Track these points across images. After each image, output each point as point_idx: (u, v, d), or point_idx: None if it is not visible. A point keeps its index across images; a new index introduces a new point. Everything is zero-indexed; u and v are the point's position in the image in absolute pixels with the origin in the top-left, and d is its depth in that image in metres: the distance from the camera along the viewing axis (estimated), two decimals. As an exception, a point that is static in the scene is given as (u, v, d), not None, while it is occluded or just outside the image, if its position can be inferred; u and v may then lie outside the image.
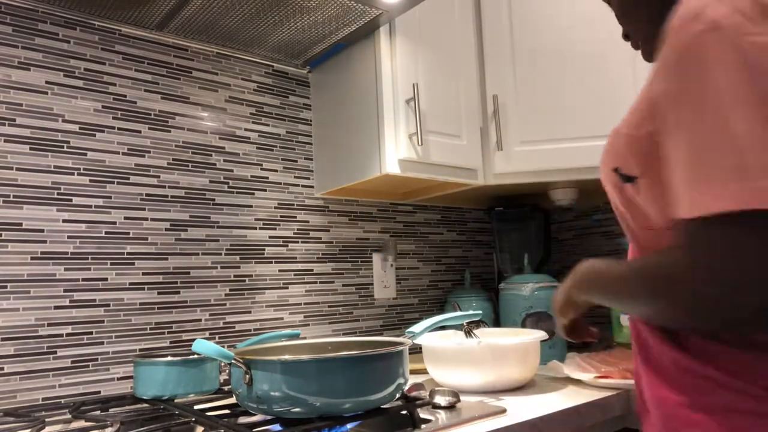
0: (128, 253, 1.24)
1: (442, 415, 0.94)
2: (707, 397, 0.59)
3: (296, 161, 1.54)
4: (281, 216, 1.49)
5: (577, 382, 1.22)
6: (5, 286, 1.10)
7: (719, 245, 0.50)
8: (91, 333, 1.18)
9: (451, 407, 0.99)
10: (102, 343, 1.19)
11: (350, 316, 1.59)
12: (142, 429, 0.85)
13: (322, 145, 1.54)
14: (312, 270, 1.53)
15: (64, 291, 1.16)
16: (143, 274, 1.26)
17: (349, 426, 0.88)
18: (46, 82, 1.18)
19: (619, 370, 1.16)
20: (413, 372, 1.38)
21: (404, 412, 0.91)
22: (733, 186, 0.48)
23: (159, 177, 1.30)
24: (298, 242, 1.51)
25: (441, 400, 1.00)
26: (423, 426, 0.89)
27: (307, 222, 1.54)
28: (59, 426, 1.00)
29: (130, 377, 1.21)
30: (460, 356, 1.16)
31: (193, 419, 0.91)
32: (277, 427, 0.86)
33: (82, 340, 1.17)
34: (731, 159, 0.49)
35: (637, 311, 0.64)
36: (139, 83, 1.30)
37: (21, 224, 1.13)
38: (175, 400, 1.06)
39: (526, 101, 1.51)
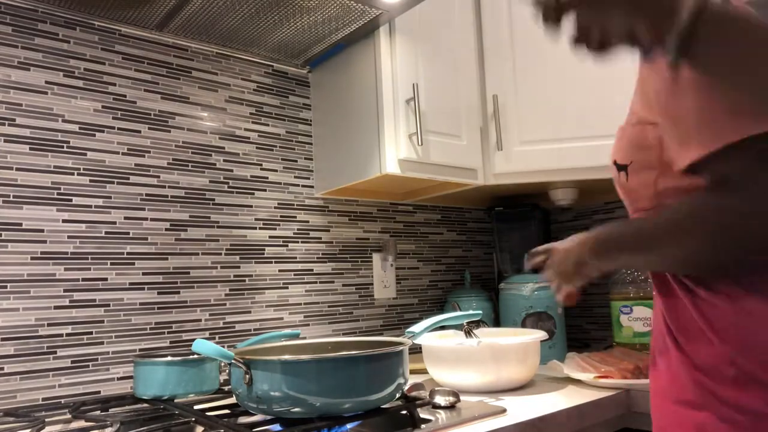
0: (128, 253, 1.24)
1: (442, 415, 0.94)
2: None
3: (296, 161, 1.54)
4: (281, 216, 1.49)
5: (577, 382, 1.22)
6: (5, 286, 1.10)
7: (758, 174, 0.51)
8: (91, 333, 1.18)
9: (451, 407, 0.99)
10: (102, 343, 1.19)
11: (350, 316, 1.59)
12: (142, 429, 0.85)
13: (322, 145, 1.54)
14: (312, 270, 1.53)
15: (64, 291, 1.16)
16: (143, 274, 1.26)
17: (349, 426, 0.88)
18: (46, 82, 1.18)
19: (619, 370, 1.16)
20: (413, 372, 1.38)
21: (404, 412, 0.91)
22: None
23: (159, 177, 1.30)
24: (298, 242, 1.51)
25: (441, 400, 1.00)
26: (423, 426, 0.89)
27: (307, 222, 1.54)
28: (59, 426, 1.00)
29: (130, 377, 1.21)
30: (460, 356, 1.16)
31: (193, 419, 0.91)
32: (277, 427, 0.86)
33: (82, 340, 1.17)
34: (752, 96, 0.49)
35: (663, 260, 0.66)
36: (139, 83, 1.30)
37: (21, 224, 1.13)
38: (175, 400, 1.06)
39: (526, 101, 1.51)
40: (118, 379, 1.20)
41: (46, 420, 0.96)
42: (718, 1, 0.49)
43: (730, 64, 0.49)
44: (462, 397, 1.03)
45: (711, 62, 0.50)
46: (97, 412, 1.03)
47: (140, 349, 1.24)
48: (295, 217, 1.52)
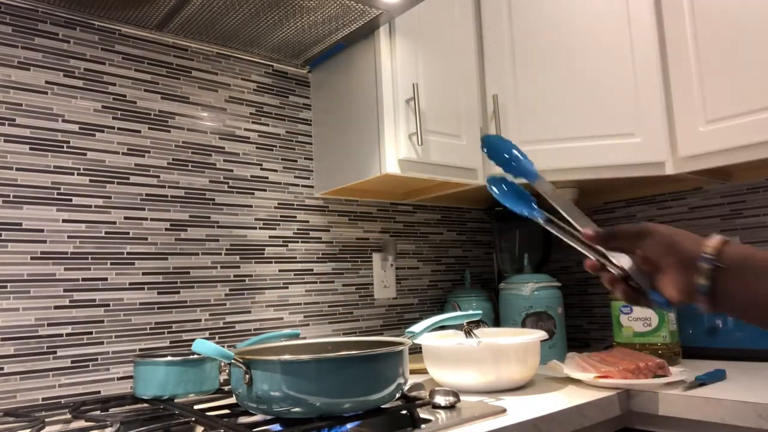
0: (128, 253, 1.24)
1: (442, 415, 0.94)
2: None
3: (296, 161, 1.54)
4: (281, 216, 1.49)
5: (577, 382, 1.22)
6: (5, 286, 1.10)
7: None
8: (91, 333, 1.18)
9: (451, 407, 0.99)
10: (102, 343, 1.19)
11: (350, 316, 1.59)
12: (142, 429, 0.85)
13: (322, 145, 1.54)
14: (312, 270, 1.53)
15: (64, 291, 1.16)
16: (143, 274, 1.26)
17: (349, 426, 0.88)
18: (46, 82, 1.18)
19: (619, 370, 1.16)
20: (413, 372, 1.38)
21: (404, 412, 0.91)
22: None
23: (159, 177, 1.30)
24: (298, 242, 1.51)
25: (441, 400, 1.00)
26: (423, 426, 0.89)
27: (307, 222, 1.54)
28: (59, 426, 1.00)
29: (130, 377, 1.21)
30: (460, 356, 1.16)
31: (193, 419, 0.91)
32: (277, 427, 0.86)
33: (82, 340, 1.17)
34: None
35: None
36: (139, 83, 1.30)
37: (21, 224, 1.13)
38: (175, 400, 1.06)
39: (526, 101, 1.51)
40: (118, 379, 1.20)
41: (46, 420, 0.96)
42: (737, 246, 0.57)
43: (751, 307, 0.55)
44: (462, 397, 1.03)
45: (735, 307, 0.57)
46: (97, 412, 1.03)
47: (140, 349, 1.24)
48: (295, 217, 1.52)
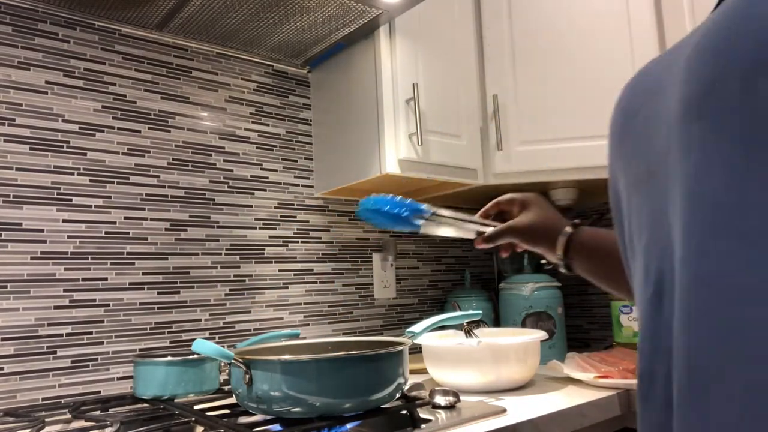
0: (128, 253, 1.24)
1: (442, 415, 0.94)
2: None
3: (296, 161, 1.54)
4: (281, 216, 1.49)
5: (577, 382, 1.22)
6: (5, 286, 1.10)
7: None
8: (91, 333, 1.18)
9: (451, 407, 0.99)
10: (102, 343, 1.19)
11: (350, 316, 1.59)
12: (142, 429, 0.85)
13: (322, 145, 1.54)
14: (312, 270, 1.53)
15: (64, 291, 1.16)
16: (143, 274, 1.26)
17: (349, 426, 0.88)
18: (46, 82, 1.18)
19: (619, 370, 1.16)
20: (413, 372, 1.38)
21: (404, 412, 0.91)
22: None
23: (159, 177, 1.30)
24: (298, 242, 1.51)
25: (441, 400, 1.00)
26: (423, 426, 0.89)
27: (307, 222, 1.54)
28: (59, 426, 1.00)
29: (130, 377, 1.21)
30: (460, 356, 1.16)
31: (193, 419, 0.91)
32: (277, 427, 0.86)
33: (82, 340, 1.17)
34: None
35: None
36: (139, 83, 1.30)
37: (21, 224, 1.13)
38: (175, 400, 1.06)
39: (526, 101, 1.51)
40: (118, 379, 1.20)
41: (46, 420, 0.96)
42: (585, 229, 0.79)
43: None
44: (462, 397, 1.03)
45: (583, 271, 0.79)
46: (97, 412, 1.03)
47: (140, 349, 1.24)
48: (295, 217, 1.52)
